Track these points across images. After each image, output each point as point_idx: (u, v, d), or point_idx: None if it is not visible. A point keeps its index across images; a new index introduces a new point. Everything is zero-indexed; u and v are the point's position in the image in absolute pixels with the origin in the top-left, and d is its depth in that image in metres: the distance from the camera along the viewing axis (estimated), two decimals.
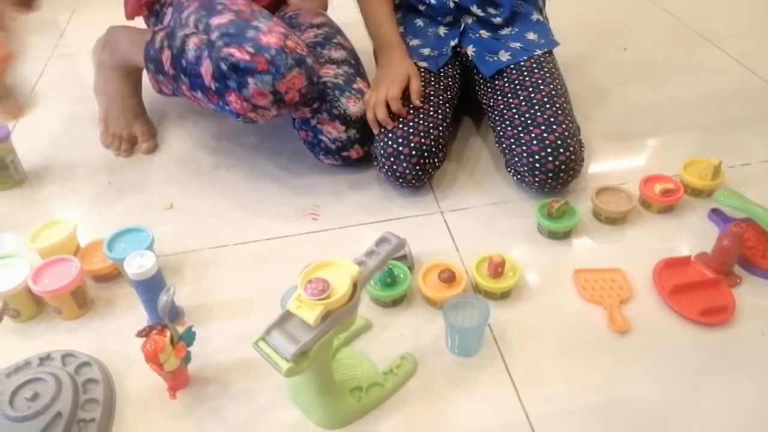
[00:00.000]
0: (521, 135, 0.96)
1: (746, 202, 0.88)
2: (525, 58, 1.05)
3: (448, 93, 1.06)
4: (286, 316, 0.62)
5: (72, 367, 0.74)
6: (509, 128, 0.99)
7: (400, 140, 0.97)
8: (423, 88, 1.02)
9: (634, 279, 0.84)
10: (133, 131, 1.16)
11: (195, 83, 0.94)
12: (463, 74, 1.13)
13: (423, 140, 0.97)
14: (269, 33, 0.88)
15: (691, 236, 0.92)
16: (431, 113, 1.00)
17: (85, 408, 0.70)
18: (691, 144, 1.11)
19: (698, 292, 0.80)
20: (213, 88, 0.91)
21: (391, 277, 0.81)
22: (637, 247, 0.90)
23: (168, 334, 0.68)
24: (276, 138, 1.16)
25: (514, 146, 0.98)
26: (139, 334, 0.69)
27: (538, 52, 1.06)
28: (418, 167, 0.97)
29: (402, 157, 0.96)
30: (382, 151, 0.98)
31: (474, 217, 0.98)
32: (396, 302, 0.82)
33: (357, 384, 0.71)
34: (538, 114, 0.96)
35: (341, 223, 0.97)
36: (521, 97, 1.00)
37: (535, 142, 0.94)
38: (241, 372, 0.75)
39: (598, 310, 0.80)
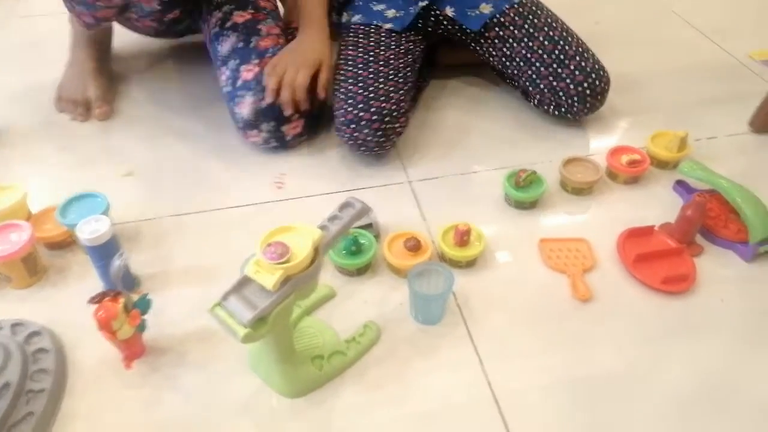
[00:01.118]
0: (559, 70, 1.00)
1: (710, 174, 0.89)
2: (507, 6, 1.05)
3: (409, 56, 1.04)
4: (244, 282, 0.60)
5: (21, 336, 0.71)
6: (542, 68, 1.02)
7: (360, 105, 0.94)
8: (384, 52, 1.00)
9: (599, 248, 0.84)
10: (87, 96, 1.11)
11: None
12: (433, 37, 1.11)
13: (384, 104, 0.94)
14: None
15: (656, 207, 0.92)
16: (391, 77, 0.98)
17: (35, 378, 0.67)
18: (659, 117, 1.11)
19: (661, 261, 0.80)
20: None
21: (356, 245, 0.80)
22: (603, 217, 0.91)
23: (121, 301, 0.66)
24: None
25: (555, 82, 1.01)
26: (91, 300, 0.66)
27: None
28: (380, 133, 0.94)
29: (363, 123, 0.94)
30: (342, 118, 0.95)
31: (441, 187, 0.97)
32: (361, 271, 0.81)
33: (319, 353, 0.70)
34: (567, 48, 1.01)
35: (307, 192, 0.95)
36: (541, 38, 1.02)
37: (577, 72, 1.00)
38: (200, 341, 0.73)
39: (563, 279, 0.80)
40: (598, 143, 1.04)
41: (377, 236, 0.85)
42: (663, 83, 1.20)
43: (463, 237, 0.81)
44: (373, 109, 0.94)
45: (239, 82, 0.99)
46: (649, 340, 0.73)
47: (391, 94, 0.96)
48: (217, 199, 0.94)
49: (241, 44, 1.02)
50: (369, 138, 0.95)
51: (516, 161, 1.00)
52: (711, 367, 0.70)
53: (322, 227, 0.64)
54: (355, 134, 0.95)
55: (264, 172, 0.99)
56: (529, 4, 1.07)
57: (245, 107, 0.97)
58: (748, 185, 0.87)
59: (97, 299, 0.66)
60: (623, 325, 0.75)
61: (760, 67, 1.25)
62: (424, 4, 1.07)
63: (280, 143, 1.01)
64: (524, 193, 0.90)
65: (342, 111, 0.95)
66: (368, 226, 0.85)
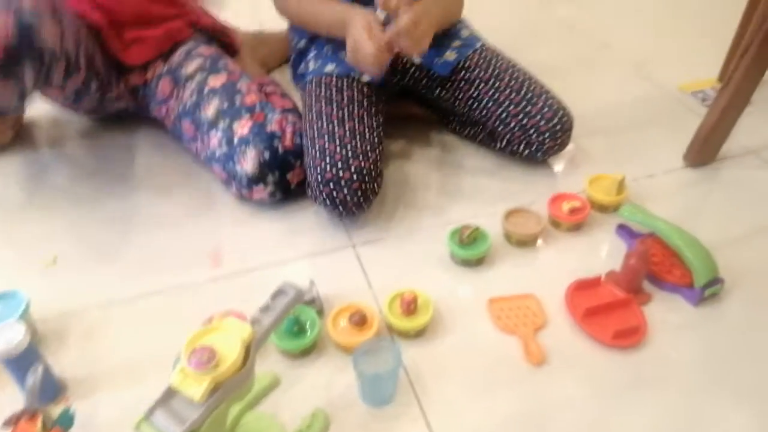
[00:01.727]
0: (528, 108, 1.02)
1: (649, 217, 0.89)
2: (470, 51, 1.07)
3: (379, 113, 1.03)
4: (171, 392, 0.55)
5: None
6: (511, 107, 1.03)
7: (339, 164, 0.91)
8: (357, 108, 0.99)
9: (548, 303, 0.83)
10: None
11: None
12: (394, 88, 1.11)
13: (363, 163, 0.91)
14: None
15: (602, 253, 0.92)
16: (367, 135, 0.96)
17: None
18: (596, 157, 1.12)
19: (610, 313, 0.79)
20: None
21: (298, 326, 0.76)
22: (550, 268, 0.89)
23: (40, 421, 0.60)
24: (174, 171, 1.09)
25: (524, 120, 1.02)
26: (6, 423, 0.60)
27: (478, 44, 1.10)
28: (359, 193, 0.91)
29: (342, 182, 0.90)
30: (319, 177, 0.91)
31: (387, 248, 0.94)
32: (305, 352, 0.77)
33: None
34: (533, 87, 1.04)
35: (245, 265, 0.91)
36: (506, 79, 1.04)
37: (545, 109, 1.02)
38: None
39: (514, 341, 0.78)
40: (539, 190, 1.03)
41: (320, 312, 0.81)
42: (598, 122, 1.21)
43: (409, 306, 0.78)
44: (353, 168, 0.90)
45: (236, 139, 0.96)
46: (605, 398, 0.71)
47: (369, 153, 0.93)
48: (147, 283, 0.88)
49: (226, 104, 0.99)
50: (348, 198, 0.91)
51: (459, 215, 0.99)
52: (668, 419, 0.69)
53: (254, 321, 0.60)
54: (334, 194, 0.91)
55: (197, 246, 0.94)
56: (489, 50, 1.10)
57: (248, 162, 0.95)
58: (690, 223, 0.88)
59: (13, 420, 0.60)
60: (578, 385, 0.73)
61: (689, 99, 1.28)
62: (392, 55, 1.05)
63: (285, 193, 0.99)
64: (469, 250, 0.88)
65: (319, 170, 0.91)
66: (310, 302, 0.81)
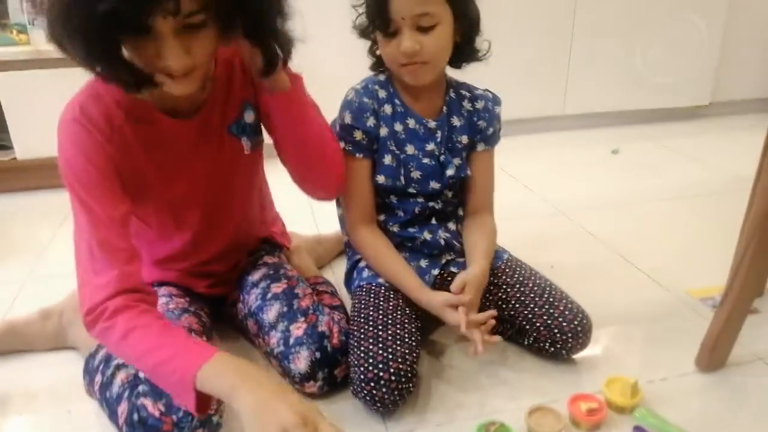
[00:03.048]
0: (551, 310, 1.16)
1: (661, 422, 0.97)
2: (499, 263, 1.26)
3: (418, 319, 1.18)
4: None
5: None
6: (536, 308, 1.17)
7: (380, 366, 1.03)
8: (400, 316, 1.13)
9: None
10: None
11: (112, 418, 1.00)
12: None
13: (401, 366, 1.04)
14: None
15: None
16: (406, 339, 1.09)
17: None
18: (615, 358, 1.22)
19: None
20: (124, 430, 0.95)
21: None
22: None
23: None
24: None
25: (549, 321, 1.15)
26: None
27: (505, 256, 1.29)
28: (396, 392, 1.03)
29: (382, 382, 1.02)
30: (362, 376, 1.04)
31: None
32: None
33: None
34: (554, 293, 1.19)
35: None
36: (530, 285, 1.21)
37: (566, 312, 1.15)
38: None
39: None
40: (561, 388, 1.13)
41: None
42: (613, 324, 1.33)
43: None
44: (391, 370, 1.03)
45: (292, 340, 1.10)
46: None
47: (407, 356, 1.06)
48: None
49: (285, 308, 1.15)
50: (386, 397, 1.03)
51: (487, 409, 1.09)
52: None
53: None
54: (374, 392, 1.03)
55: None
56: (514, 260, 1.29)
57: (301, 362, 1.08)
58: (701, 429, 0.96)
59: None
60: None
61: (698, 304, 1.40)
62: (436, 273, 1.24)
63: (332, 386, 1.11)
64: None
65: (362, 369, 1.04)
66: None
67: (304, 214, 1.53)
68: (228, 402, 0.83)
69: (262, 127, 1.15)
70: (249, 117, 1.12)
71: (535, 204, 2.01)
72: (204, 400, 0.86)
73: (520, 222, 1.82)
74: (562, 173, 2.29)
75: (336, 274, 1.56)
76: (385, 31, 1.09)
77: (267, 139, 1.17)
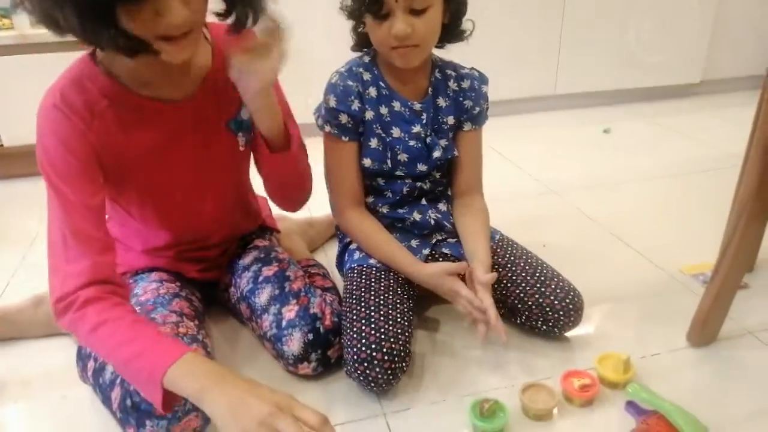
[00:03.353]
0: (542, 289, 1.17)
1: (653, 396, 0.98)
2: (491, 243, 1.24)
3: (411, 300, 1.19)
4: None
5: None
6: (528, 287, 1.18)
7: (373, 346, 1.04)
8: (392, 296, 1.13)
9: None
10: None
11: (106, 403, 0.99)
12: None
13: (393, 345, 1.04)
14: None
15: (612, 428, 1.00)
16: (399, 319, 1.09)
17: None
18: (607, 335, 1.23)
19: None
20: (118, 415, 0.95)
21: None
22: None
23: None
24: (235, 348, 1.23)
25: (540, 299, 1.16)
26: None
27: (497, 236, 1.29)
28: (389, 372, 1.04)
29: (375, 362, 1.03)
30: (355, 356, 1.04)
31: (415, 417, 1.04)
32: None
33: None
34: (545, 271, 1.20)
35: None
36: (521, 264, 1.21)
37: (558, 290, 1.16)
38: None
39: None
40: (554, 365, 1.14)
41: None
42: (606, 302, 1.34)
43: None
44: (384, 350, 1.03)
45: (284, 323, 1.10)
46: None
47: (399, 336, 1.06)
48: None
49: (277, 291, 1.15)
50: (380, 376, 1.04)
51: (481, 386, 1.10)
52: None
53: None
54: (367, 372, 1.04)
55: None
56: (506, 240, 1.29)
57: (294, 343, 1.09)
58: (692, 402, 0.97)
59: None
60: None
61: (691, 280, 1.41)
62: (427, 252, 1.24)
63: (326, 367, 1.12)
64: (489, 423, 0.98)
65: (355, 350, 1.05)
66: None
67: None
68: (197, 404, 0.82)
69: None
70: (246, 114, 1.11)
71: (527, 183, 2.01)
72: (171, 397, 0.85)
73: (512, 202, 1.82)
74: (554, 153, 2.29)
75: (329, 256, 1.56)
76: (376, 14, 1.08)
77: None
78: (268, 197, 1.24)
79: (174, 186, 1.10)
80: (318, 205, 1.38)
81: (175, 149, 1.06)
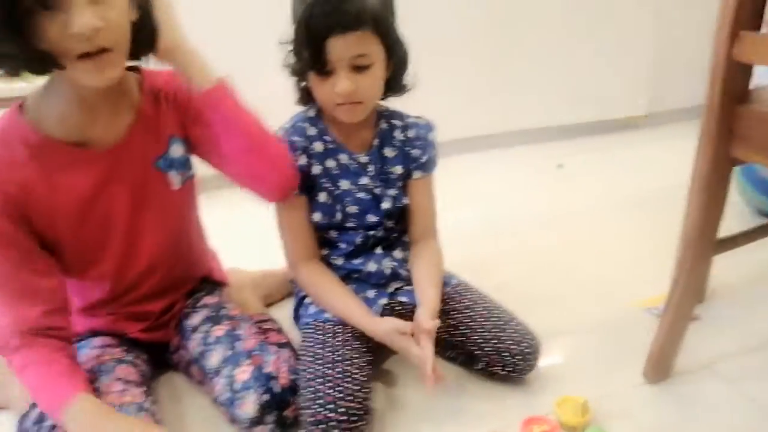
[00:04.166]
0: (499, 334, 1.16)
1: None
2: (448, 288, 1.25)
3: (369, 353, 1.16)
4: None
5: None
6: (485, 333, 1.17)
7: (330, 406, 1.01)
8: (349, 351, 1.11)
9: None
10: None
11: None
12: None
13: (351, 404, 1.02)
14: None
15: None
16: (355, 375, 1.06)
17: None
18: (564, 378, 1.22)
19: None
20: None
21: None
22: None
23: None
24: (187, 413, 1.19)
25: (498, 345, 1.15)
26: None
27: (453, 281, 1.28)
28: None
29: (333, 423, 1.00)
30: (312, 418, 1.01)
31: None
32: None
33: None
34: (502, 315, 1.20)
35: None
36: (479, 309, 1.21)
37: (515, 335, 1.16)
38: None
39: None
40: (514, 411, 1.12)
41: None
42: (564, 341, 1.34)
43: None
44: (341, 410, 1.01)
45: (237, 385, 1.06)
46: None
47: (357, 393, 1.03)
48: None
49: (229, 352, 1.11)
50: None
51: None
52: None
53: None
54: None
55: None
56: (462, 285, 1.28)
57: (249, 406, 1.04)
58: None
59: None
60: None
61: (644, 314, 1.42)
62: (383, 302, 1.22)
63: (283, 428, 1.07)
64: None
65: (312, 411, 1.02)
66: None
67: (250, 249, 1.50)
68: None
69: (194, 161, 1.15)
70: (176, 151, 1.10)
71: (482, 224, 2.01)
72: None
73: (468, 243, 1.82)
74: (508, 191, 2.31)
75: (288, 310, 1.53)
76: (320, 72, 1.08)
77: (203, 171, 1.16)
78: (246, 185, 1.15)
79: (107, 232, 1.08)
80: (275, 257, 1.35)
81: (107, 194, 1.05)
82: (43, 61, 0.85)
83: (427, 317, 1.10)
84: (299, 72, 1.15)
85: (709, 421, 1.09)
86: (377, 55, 1.09)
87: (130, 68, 1.07)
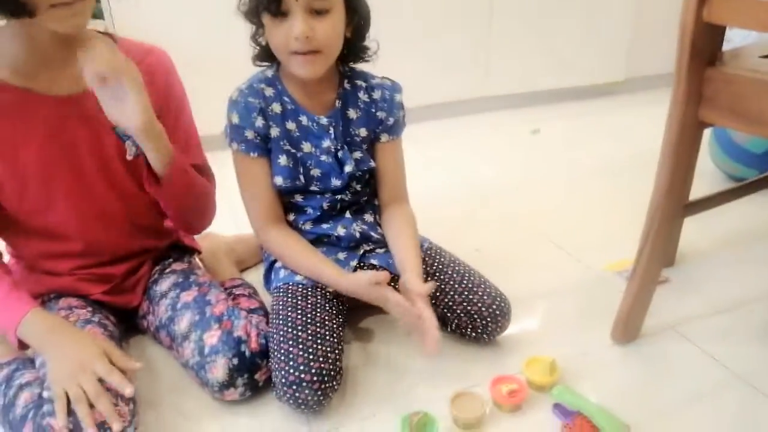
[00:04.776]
0: (470, 296, 1.17)
1: (577, 398, 1.00)
2: (420, 251, 1.22)
3: (340, 316, 1.16)
4: None
5: None
6: (455, 295, 1.18)
7: (301, 367, 1.01)
8: (320, 313, 1.11)
9: None
10: None
11: None
12: None
13: (323, 365, 1.02)
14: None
15: None
16: (327, 337, 1.07)
17: None
18: (534, 338, 1.25)
19: None
20: None
21: None
22: None
23: None
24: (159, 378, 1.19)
25: (468, 307, 1.16)
26: None
27: (425, 244, 1.27)
28: (319, 392, 1.01)
29: (304, 384, 1.00)
30: (283, 380, 1.01)
31: None
32: None
33: None
34: (473, 278, 1.20)
35: None
36: (449, 272, 1.21)
37: (485, 297, 1.17)
38: None
39: None
40: (483, 372, 1.13)
41: None
42: (536, 304, 1.36)
43: None
44: (313, 371, 1.01)
45: (207, 349, 1.06)
46: None
47: (329, 354, 1.04)
48: None
49: (197, 317, 1.11)
50: (310, 398, 1.01)
51: (412, 399, 1.09)
52: None
53: None
54: (296, 394, 1.01)
55: None
56: (434, 248, 1.27)
57: (218, 370, 1.04)
58: (617, 399, 1.00)
59: None
60: None
61: (615, 278, 1.44)
62: (354, 264, 1.21)
63: (254, 391, 1.08)
64: None
65: (283, 372, 1.02)
66: None
67: (222, 214, 1.48)
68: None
69: None
70: None
71: (458, 188, 2.02)
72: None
73: (443, 207, 1.82)
74: (484, 156, 2.31)
75: (259, 274, 1.52)
76: (275, 12, 1.03)
77: None
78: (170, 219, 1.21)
79: (71, 185, 1.07)
80: (248, 224, 1.34)
81: (67, 144, 1.04)
82: (16, 4, 0.84)
83: (419, 281, 1.10)
84: (254, 14, 1.09)
85: (675, 381, 1.12)
86: (336, 3, 1.05)
87: (102, 33, 1.06)
